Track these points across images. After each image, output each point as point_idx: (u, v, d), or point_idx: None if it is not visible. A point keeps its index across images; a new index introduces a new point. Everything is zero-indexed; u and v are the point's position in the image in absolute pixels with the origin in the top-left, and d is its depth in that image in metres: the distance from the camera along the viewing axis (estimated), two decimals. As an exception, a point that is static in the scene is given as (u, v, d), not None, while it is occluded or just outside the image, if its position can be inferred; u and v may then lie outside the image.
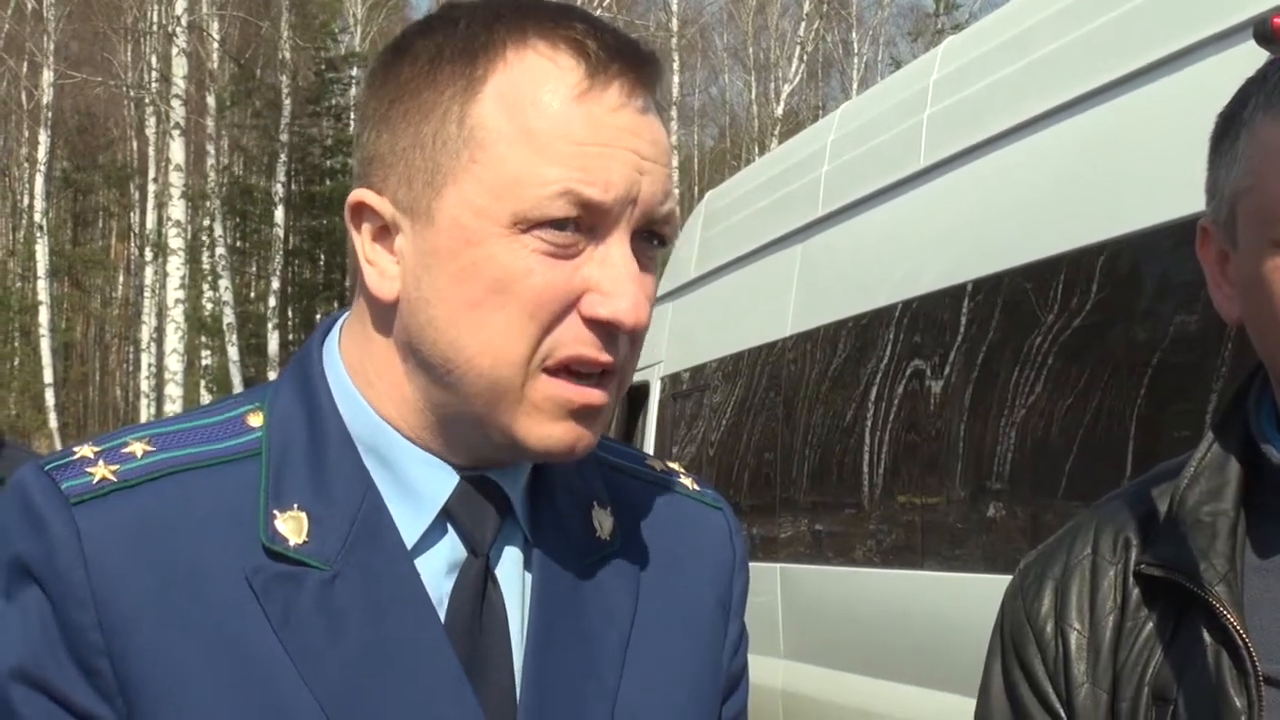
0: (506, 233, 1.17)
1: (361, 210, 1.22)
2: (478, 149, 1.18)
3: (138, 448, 1.22)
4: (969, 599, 4.63)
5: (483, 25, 1.21)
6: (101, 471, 1.19)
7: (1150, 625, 1.51)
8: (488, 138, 1.18)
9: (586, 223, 1.18)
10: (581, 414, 1.21)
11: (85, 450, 1.21)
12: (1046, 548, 1.66)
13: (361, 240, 1.23)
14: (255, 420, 1.25)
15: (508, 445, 1.22)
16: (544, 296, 1.17)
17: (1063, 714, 1.54)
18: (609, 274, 1.18)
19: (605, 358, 1.20)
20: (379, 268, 1.22)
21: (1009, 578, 4.76)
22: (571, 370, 1.20)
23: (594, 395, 1.21)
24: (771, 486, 6.42)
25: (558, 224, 1.16)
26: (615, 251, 1.19)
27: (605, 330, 1.19)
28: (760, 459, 6.69)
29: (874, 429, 5.46)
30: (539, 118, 1.17)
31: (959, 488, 4.81)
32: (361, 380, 1.25)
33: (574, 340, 1.19)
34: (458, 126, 1.19)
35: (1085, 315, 4.19)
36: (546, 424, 1.20)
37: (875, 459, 5.44)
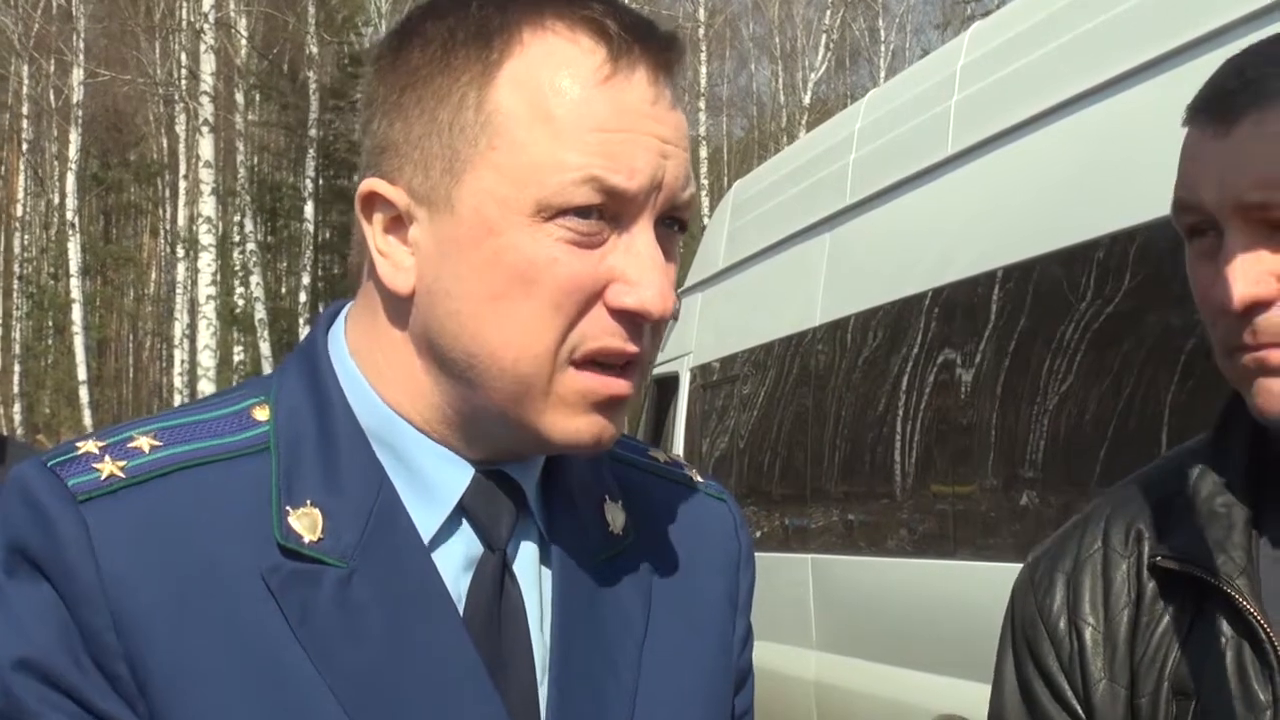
0: (529, 221, 1.13)
1: (374, 200, 1.19)
2: (496, 135, 1.14)
3: (144, 442, 1.18)
4: (1002, 588, 4.58)
5: (495, 6, 1.17)
6: (109, 468, 1.15)
7: (1167, 619, 1.48)
8: (506, 123, 1.14)
9: (610, 210, 1.15)
10: (607, 406, 1.19)
11: (89, 445, 1.18)
12: (1054, 540, 1.63)
13: (373, 231, 1.19)
14: (261, 414, 1.22)
15: (531, 439, 1.20)
16: (569, 286, 1.14)
17: (1080, 711, 1.52)
18: (635, 263, 1.15)
19: (632, 348, 1.18)
20: (392, 259, 1.18)
21: (1042, 567, 4.71)
22: (598, 362, 1.17)
23: (621, 386, 1.18)
24: (802, 477, 6.40)
25: (582, 212, 1.13)
26: (640, 240, 1.16)
27: (631, 320, 1.17)
28: (791, 449, 6.67)
29: (905, 418, 5.43)
30: (560, 103, 1.14)
31: (991, 476, 4.78)
32: (372, 372, 1.22)
33: (601, 332, 1.16)
34: (475, 112, 1.15)
35: (1117, 301, 4.16)
36: (573, 417, 1.18)
37: (906, 448, 5.41)
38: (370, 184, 1.19)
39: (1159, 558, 1.50)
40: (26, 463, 1.17)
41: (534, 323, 1.15)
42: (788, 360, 6.74)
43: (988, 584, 4.71)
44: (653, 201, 1.16)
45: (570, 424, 1.18)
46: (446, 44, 1.17)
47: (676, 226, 1.20)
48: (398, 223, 1.19)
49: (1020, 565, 4.82)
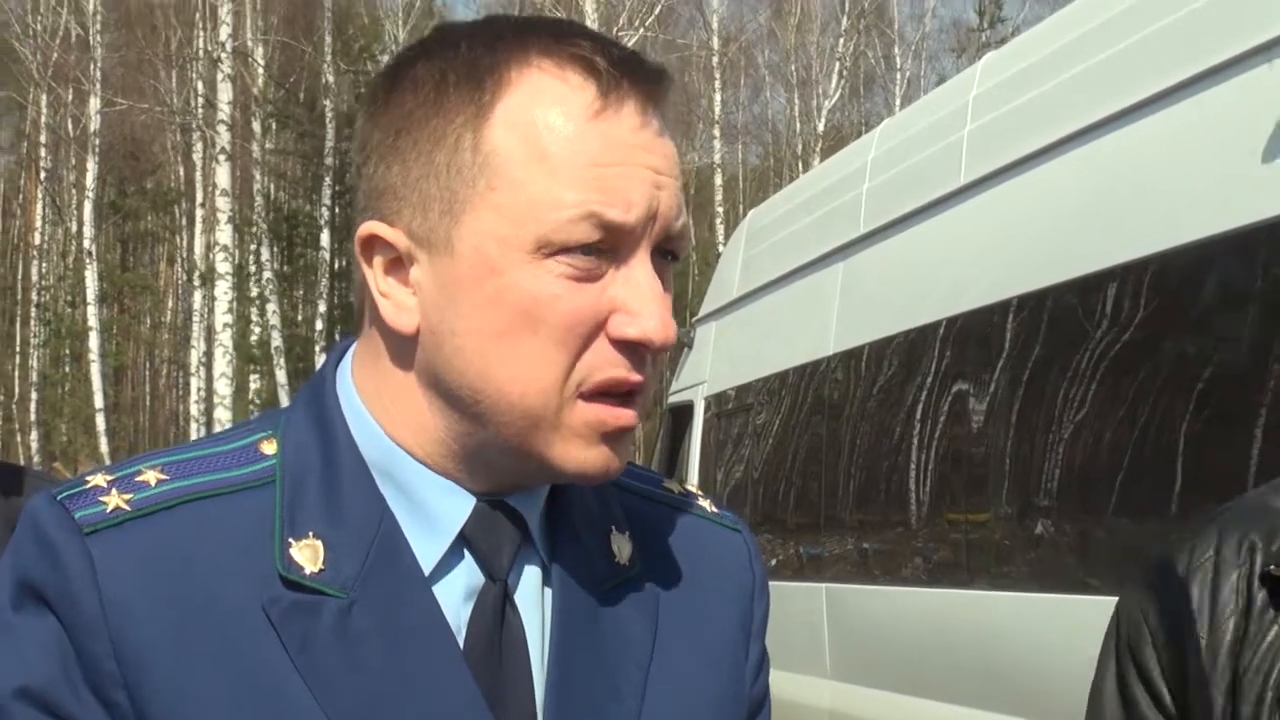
0: (529, 259, 1.15)
1: (373, 243, 1.20)
2: (494, 175, 1.16)
3: (151, 476, 1.20)
4: (1017, 618, 4.60)
5: (484, 46, 1.19)
6: (115, 500, 1.18)
7: (1275, 630, 1.50)
8: (503, 163, 1.16)
9: (609, 243, 1.16)
10: (614, 437, 1.20)
11: (98, 479, 1.20)
12: (1169, 547, 1.63)
13: (374, 274, 1.20)
14: (269, 448, 1.23)
15: (540, 470, 1.21)
16: (572, 321, 1.16)
17: (1177, 716, 1.52)
18: (635, 293, 1.17)
19: (636, 377, 1.19)
20: (394, 300, 1.20)
21: (1057, 596, 4.72)
22: (604, 392, 1.18)
23: (628, 417, 1.20)
24: (817, 505, 6.40)
25: (582, 248, 1.15)
26: (639, 271, 1.18)
27: (633, 350, 1.18)
28: (805, 478, 6.67)
29: (919, 447, 5.43)
30: (553, 140, 1.16)
31: (1006, 505, 4.78)
32: (377, 408, 1.23)
33: (605, 363, 1.17)
34: (472, 153, 1.16)
35: (1131, 330, 4.16)
36: (582, 448, 1.19)
37: (921, 477, 5.41)
38: (369, 227, 1.20)
39: (1272, 566, 1.51)
40: (38, 496, 1.19)
41: (539, 358, 1.16)
42: (802, 389, 6.74)
43: (1003, 613, 4.70)
44: (649, 232, 1.18)
45: (579, 455, 1.19)
46: (439, 86, 1.18)
47: (670, 257, 1.22)
48: (398, 264, 1.20)
49: (1035, 594, 4.79)
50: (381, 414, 1.23)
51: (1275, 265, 3.63)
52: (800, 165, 35.56)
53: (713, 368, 8.16)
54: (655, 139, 1.19)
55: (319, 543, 1.18)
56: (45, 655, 1.14)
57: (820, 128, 36.16)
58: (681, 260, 1.25)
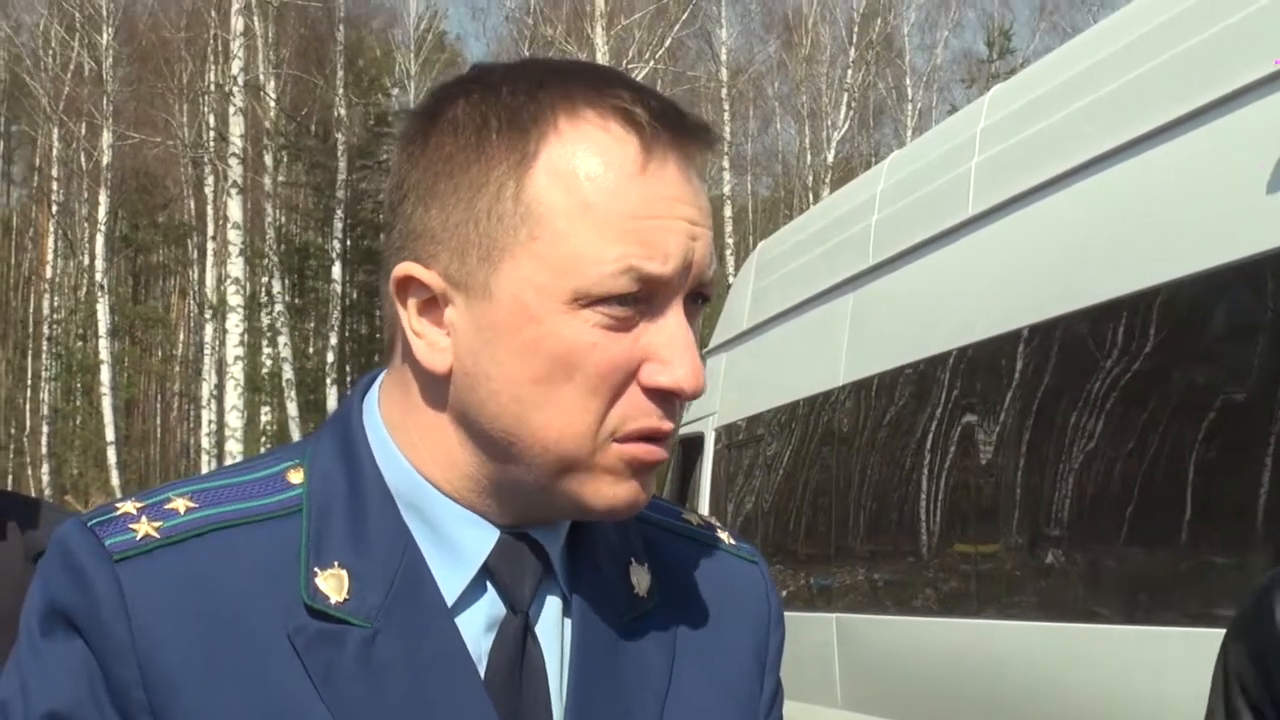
0: (566, 309, 1.16)
1: (408, 284, 1.21)
2: (536, 225, 1.17)
3: (180, 504, 1.21)
4: (1027, 647, 4.60)
5: (526, 94, 1.20)
6: (145, 528, 1.19)
7: None
8: (545, 214, 1.17)
9: (645, 293, 1.18)
10: (645, 471, 1.22)
11: (128, 506, 1.21)
12: (1270, 579, 1.63)
13: (408, 314, 1.21)
14: (296, 477, 1.25)
15: (569, 507, 1.22)
16: (606, 370, 1.17)
17: None
18: (667, 342, 1.19)
19: (667, 426, 1.21)
20: (428, 340, 1.21)
21: (1067, 625, 4.71)
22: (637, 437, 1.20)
23: (659, 453, 1.22)
24: (827, 536, 6.40)
25: (620, 299, 1.16)
26: (672, 319, 1.19)
27: (664, 398, 1.20)
28: (815, 508, 6.68)
29: (929, 477, 5.44)
30: (596, 192, 1.17)
31: (1016, 535, 4.78)
32: (404, 442, 1.25)
33: (638, 412, 1.19)
34: (514, 202, 1.17)
35: (1140, 360, 4.18)
36: (614, 485, 1.21)
37: (931, 507, 5.42)
38: (405, 268, 1.21)
39: None
40: (69, 522, 1.21)
41: (574, 405, 1.18)
42: (812, 420, 6.75)
43: (1013, 643, 4.70)
44: (683, 282, 1.20)
45: (609, 491, 1.21)
46: (480, 131, 1.19)
47: (700, 300, 1.24)
48: (432, 304, 1.21)
49: (1045, 624, 4.78)
50: (408, 447, 1.25)
51: (1283, 295, 3.64)
52: (810, 196, 35.64)
53: (723, 398, 8.17)
54: (692, 191, 1.21)
55: (344, 572, 1.20)
56: (74, 680, 1.16)
57: (830, 159, 36.24)
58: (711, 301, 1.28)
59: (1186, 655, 3.57)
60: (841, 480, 6.28)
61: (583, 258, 1.16)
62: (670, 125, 1.20)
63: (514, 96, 1.20)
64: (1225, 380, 3.89)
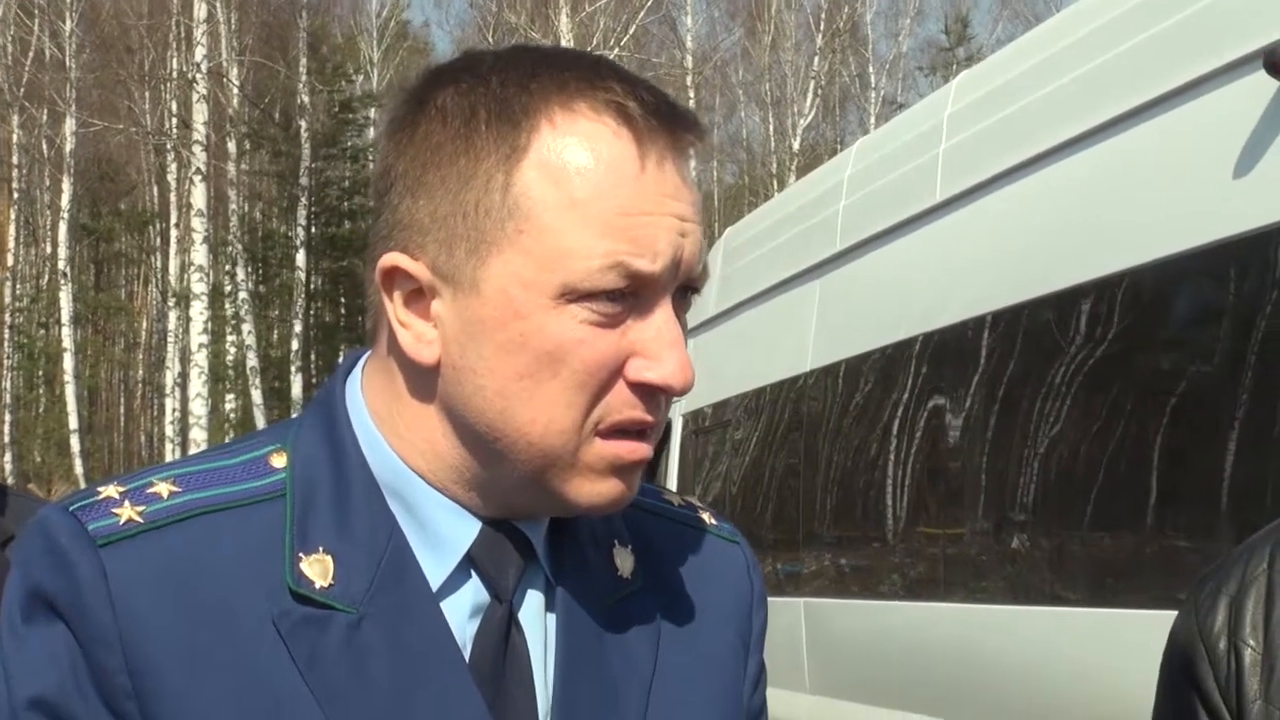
0: (553, 304, 1.15)
1: (394, 274, 1.20)
2: (524, 219, 1.16)
3: (163, 488, 1.21)
4: (993, 631, 4.62)
5: (517, 84, 1.18)
6: (128, 513, 1.18)
7: None
8: (534, 208, 1.16)
9: (633, 289, 1.17)
10: (628, 469, 1.22)
11: (110, 490, 1.20)
12: (1222, 564, 1.63)
13: (394, 305, 1.21)
14: (279, 461, 1.24)
15: (553, 503, 1.22)
16: (594, 366, 1.17)
17: None
18: (655, 339, 1.18)
19: (649, 418, 1.20)
20: (414, 331, 1.20)
21: (1032, 609, 4.74)
22: (620, 430, 1.20)
23: (643, 450, 1.22)
24: (795, 521, 6.42)
25: (607, 295, 1.16)
26: (659, 316, 1.19)
27: (650, 393, 1.20)
28: (783, 494, 6.69)
29: (896, 462, 5.46)
30: (585, 186, 1.16)
31: (981, 520, 4.81)
32: (388, 429, 1.24)
33: (623, 405, 1.19)
34: (501, 195, 1.16)
35: (1105, 345, 4.20)
36: (597, 482, 1.20)
37: (898, 492, 5.44)
38: (392, 259, 1.20)
39: None
40: (49, 507, 1.20)
41: (560, 400, 1.17)
42: (779, 406, 6.76)
43: (979, 626, 4.73)
44: (672, 278, 1.19)
45: (594, 488, 1.21)
46: (469, 122, 1.18)
47: (690, 293, 1.23)
48: (418, 295, 1.20)
49: (1010, 607, 4.81)
50: (393, 436, 1.24)
51: (1247, 280, 3.66)
52: (775, 183, 35.64)
53: (690, 385, 8.17)
54: (682, 187, 1.20)
55: (329, 558, 1.20)
56: (56, 665, 1.15)
57: (795, 146, 36.25)
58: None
59: (1151, 637, 3.60)
60: (809, 466, 6.30)
61: (571, 253, 1.15)
62: (663, 120, 1.19)
63: (504, 87, 1.19)
64: (1189, 365, 3.92)
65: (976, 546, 4.85)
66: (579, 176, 1.16)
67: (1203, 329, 3.88)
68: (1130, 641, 3.86)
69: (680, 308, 1.22)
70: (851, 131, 39.55)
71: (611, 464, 1.20)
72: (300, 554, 1.19)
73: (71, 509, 1.19)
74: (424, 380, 1.22)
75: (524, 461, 1.19)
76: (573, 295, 1.15)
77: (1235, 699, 1.53)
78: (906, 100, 34.54)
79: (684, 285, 1.22)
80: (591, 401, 1.18)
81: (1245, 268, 3.66)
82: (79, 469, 32.12)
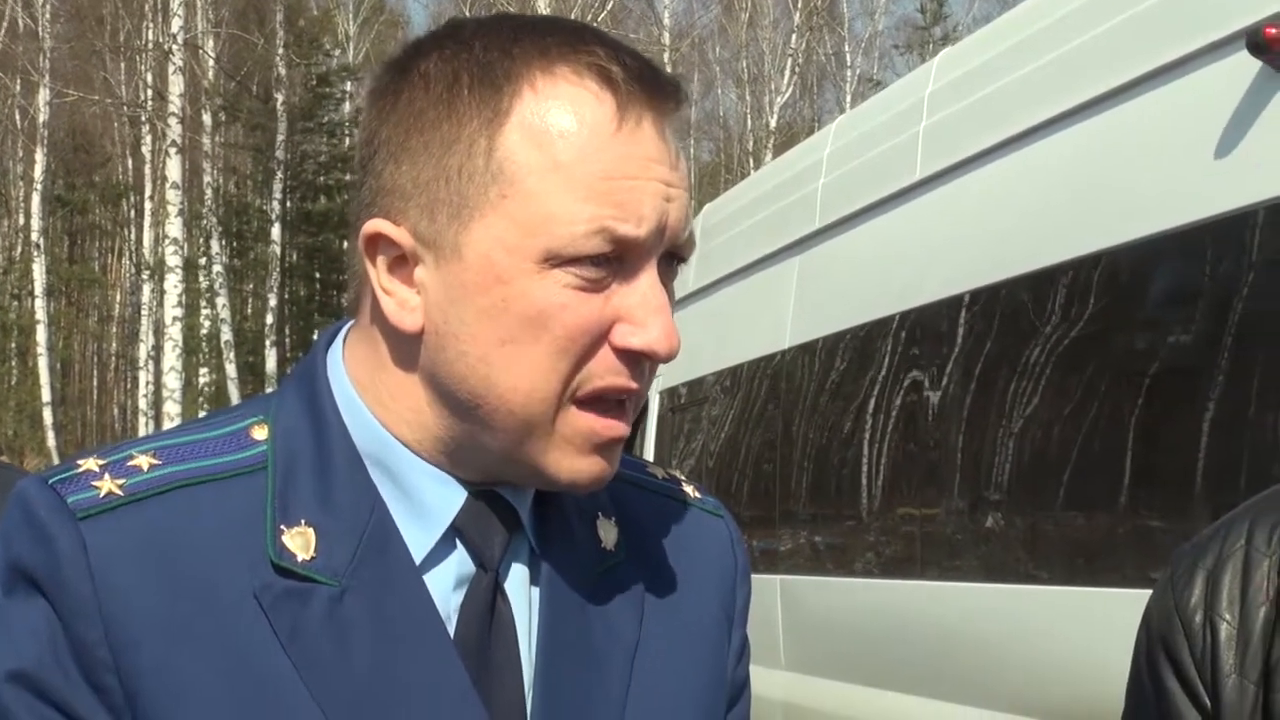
0: (537, 269, 1.15)
1: (377, 241, 1.20)
2: (507, 184, 1.15)
3: (143, 461, 1.20)
4: (969, 608, 4.64)
5: (499, 49, 1.18)
6: (108, 485, 1.17)
7: None
8: (517, 172, 1.15)
9: (617, 255, 1.16)
10: (607, 446, 1.21)
11: (90, 463, 1.19)
12: (1199, 539, 1.63)
13: (377, 271, 1.20)
14: (260, 433, 1.23)
15: (532, 476, 1.22)
16: (577, 331, 1.16)
17: (1209, 705, 1.53)
18: (640, 304, 1.17)
19: (633, 385, 1.20)
20: (397, 298, 1.20)
21: (1008, 587, 4.76)
22: (598, 399, 1.19)
23: (619, 428, 1.21)
24: (771, 498, 6.43)
25: (591, 260, 1.15)
26: (645, 281, 1.18)
27: (634, 360, 1.19)
28: (760, 471, 6.70)
29: (873, 440, 5.47)
30: (568, 150, 1.15)
31: (958, 498, 4.82)
32: (371, 399, 1.23)
33: (605, 371, 1.18)
34: (485, 160, 1.16)
35: (1083, 325, 4.21)
36: (575, 458, 1.20)
37: (874, 470, 5.45)
38: (375, 225, 1.19)
39: None
40: (28, 480, 1.19)
41: (543, 366, 1.16)
42: (757, 383, 6.77)
43: (955, 604, 4.75)
44: (657, 244, 1.18)
45: (572, 464, 1.20)
46: (452, 87, 1.17)
47: (676, 261, 1.22)
48: (401, 262, 1.20)
49: (986, 585, 4.82)
50: (376, 404, 1.23)
51: (1224, 261, 3.67)
52: (752, 161, 35.63)
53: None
54: (668, 152, 1.19)
55: (311, 530, 1.19)
56: (36, 639, 1.14)
57: (772, 124, 36.22)
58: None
59: (1125, 616, 3.61)
60: (786, 443, 6.31)
61: (554, 217, 1.14)
62: (646, 84, 1.18)
63: (487, 52, 1.18)
64: (1166, 346, 3.93)
65: (952, 525, 4.86)
66: (562, 140, 1.15)
67: (1180, 309, 3.89)
68: (1105, 620, 3.87)
69: (666, 276, 1.21)
70: (829, 109, 39.60)
71: (587, 438, 1.20)
72: (282, 527, 1.19)
73: (51, 482, 1.18)
74: (407, 348, 1.21)
75: (504, 428, 1.19)
76: (556, 260, 1.15)
77: (1210, 673, 1.53)
78: (884, 79, 34.51)
79: (670, 253, 1.21)
80: (574, 368, 1.17)
81: (1224, 249, 3.67)
82: (52, 442, 32.03)
